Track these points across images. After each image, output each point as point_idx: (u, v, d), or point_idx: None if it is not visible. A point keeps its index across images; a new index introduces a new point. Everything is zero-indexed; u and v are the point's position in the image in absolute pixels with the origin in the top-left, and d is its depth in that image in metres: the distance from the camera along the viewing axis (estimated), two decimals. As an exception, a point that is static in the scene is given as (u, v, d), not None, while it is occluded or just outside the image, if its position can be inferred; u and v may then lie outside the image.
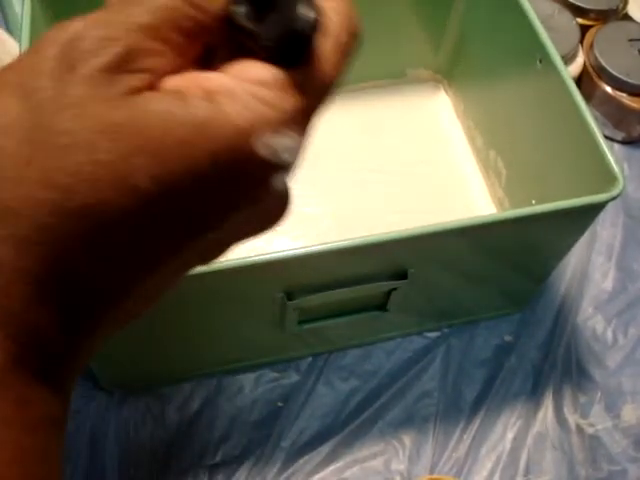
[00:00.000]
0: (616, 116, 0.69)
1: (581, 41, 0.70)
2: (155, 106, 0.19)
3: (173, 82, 0.20)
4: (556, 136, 0.52)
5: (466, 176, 0.65)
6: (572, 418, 0.56)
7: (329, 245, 0.42)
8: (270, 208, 0.24)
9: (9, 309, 0.19)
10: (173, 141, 0.19)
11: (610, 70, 0.67)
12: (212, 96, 0.20)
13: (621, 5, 0.73)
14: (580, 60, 0.70)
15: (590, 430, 0.55)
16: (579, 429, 0.55)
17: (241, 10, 0.21)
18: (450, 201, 0.64)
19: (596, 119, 0.65)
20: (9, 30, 0.60)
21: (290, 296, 0.46)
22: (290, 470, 0.52)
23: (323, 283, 0.46)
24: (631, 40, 0.69)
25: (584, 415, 0.56)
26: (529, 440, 0.55)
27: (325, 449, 0.53)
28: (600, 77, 0.68)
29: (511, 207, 0.60)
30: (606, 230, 0.65)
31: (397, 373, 0.57)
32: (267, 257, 0.41)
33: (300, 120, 0.22)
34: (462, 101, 0.68)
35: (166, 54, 0.20)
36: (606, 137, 0.70)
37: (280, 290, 0.45)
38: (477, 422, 0.55)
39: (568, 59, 0.68)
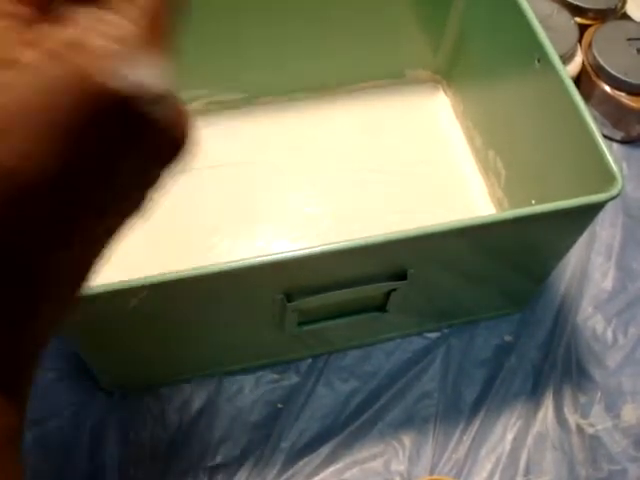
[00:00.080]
0: (615, 115, 0.69)
1: (580, 40, 0.70)
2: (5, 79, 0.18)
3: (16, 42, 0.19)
4: (555, 136, 0.52)
5: (465, 176, 0.65)
6: (572, 418, 0.56)
7: (329, 246, 0.42)
8: (164, 141, 0.23)
9: None
10: (28, 109, 0.18)
11: (609, 69, 0.67)
12: (54, 51, 0.19)
13: (620, 4, 0.73)
14: (579, 59, 0.70)
15: (590, 430, 0.55)
16: (579, 429, 0.55)
17: None
18: (450, 201, 0.64)
19: (595, 119, 0.65)
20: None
21: (290, 297, 0.46)
22: (290, 471, 0.52)
23: (323, 284, 0.46)
24: (630, 39, 0.69)
25: (584, 415, 0.56)
26: (529, 440, 0.55)
27: (325, 450, 0.53)
28: (599, 76, 0.68)
29: (510, 207, 0.60)
30: (605, 230, 0.65)
31: (397, 374, 0.57)
32: (267, 258, 0.41)
33: (151, 39, 0.20)
34: (461, 101, 0.68)
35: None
36: (605, 136, 0.69)
37: (280, 291, 0.45)
38: (477, 423, 0.55)
39: (567, 58, 0.68)
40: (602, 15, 0.72)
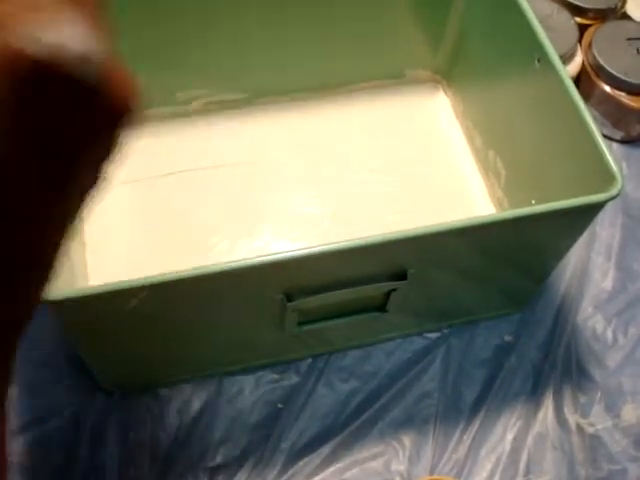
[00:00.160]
0: (615, 115, 0.69)
1: (580, 40, 0.70)
2: None
3: None
4: (555, 136, 0.52)
5: (465, 176, 0.65)
6: (572, 418, 0.56)
7: (329, 246, 0.42)
8: (104, 105, 0.21)
9: None
10: None
11: (609, 69, 0.67)
12: None
13: (620, 4, 0.73)
14: (579, 59, 0.70)
15: (590, 430, 0.55)
16: (579, 429, 0.55)
17: None
18: (449, 201, 0.64)
19: (595, 118, 0.65)
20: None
21: (290, 297, 0.46)
22: (290, 472, 0.52)
23: (323, 284, 0.46)
24: (630, 39, 0.69)
25: (584, 415, 0.56)
26: (529, 440, 0.55)
27: (325, 450, 0.53)
28: (599, 76, 0.68)
29: (510, 207, 0.60)
30: (605, 230, 0.65)
31: (397, 374, 0.57)
32: (267, 258, 0.41)
33: (73, 2, 0.20)
34: (461, 101, 0.68)
35: None
36: (605, 136, 0.69)
37: (280, 291, 0.45)
38: (477, 422, 0.55)
39: (567, 58, 0.68)
40: (602, 15, 0.72)
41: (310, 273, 0.45)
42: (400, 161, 0.66)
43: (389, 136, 0.67)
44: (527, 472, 0.54)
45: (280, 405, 0.55)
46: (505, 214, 0.46)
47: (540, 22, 0.53)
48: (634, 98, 0.67)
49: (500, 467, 0.54)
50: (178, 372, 0.55)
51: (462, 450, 0.54)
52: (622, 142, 0.71)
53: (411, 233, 0.43)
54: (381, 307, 0.52)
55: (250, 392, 0.55)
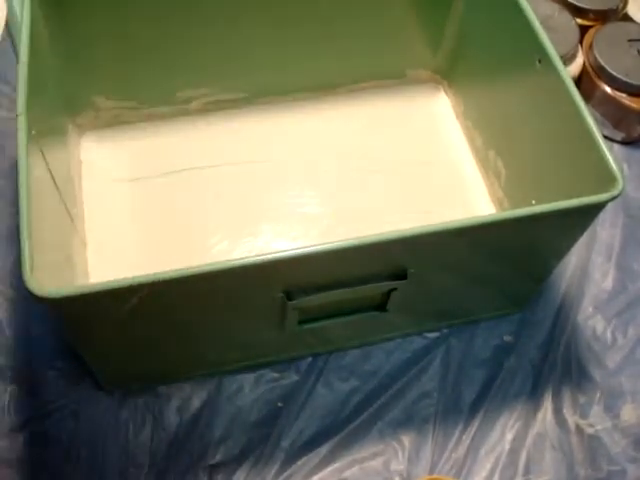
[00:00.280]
0: (615, 116, 0.69)
1: (580, 41, 0.70)
2: None
3: None
4: (556, 136, 0.52)
5: (466, 176, 0.65)
6: (572, 418, 0.56)
7: (329, 245, 0.42)
8: None
9: None
10: None
11: (609, 70, 0.67)
12: None
13: (621, 5, 0.73)
14: (580, 60, 0.70)
15: (590, 430, 0.55)
16: (579, 429, 0.55)
17: None
18: (450, 201, 0.64)
19: (595, 119, 0.65)
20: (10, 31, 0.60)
21: (290, 296, 0.46)
22: (290, 470, 0.52)
23: (323, 283, 0.46)
24: (630, 40, 0.69)
25: (584, 415, 0.56)
26: (529, 440, 0.55)
27: (324, 449, 0.53)
28: (599, 77, 0.68)
29: (511, 207, 0.60)
30: (606, 230, 0.65)
31: (397, 373, 0.57)
32: (267, 257, 0.41)
33: None
34: (462, 101, 0.68)
35: None
36: (605, 137, 0.69)
37: (280, 290, 0.45)
38: (477, 422, 0.55)
39: (567, 59, 0.68)
40: (603, 16, 0.72)
41: (310, 272, 0.45)
42: (400, 161, 0.66)
43: (389, 136, 0.67)
44: (526, 472, 0.54)
45: (280, 404, 0.55)
46: (505, 214, 0.46)
47: (541, 23, 0.53)
48: (635, 99, 0.67)
49: (499, 467, 0.54)
50: (178, 371, 0.55)
51: (461, 450, 0.54)
52: (623, 143, 0.71)
53: (411, 233, 0.43)
54: (381, 307, 0.52)
55: (250, 391, 0.55)
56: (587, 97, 0.69)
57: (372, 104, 0.69)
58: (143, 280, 0.39)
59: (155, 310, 0.44)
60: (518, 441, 0.55)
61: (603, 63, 0.68)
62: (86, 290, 0.39)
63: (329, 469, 0.53)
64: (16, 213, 0.41)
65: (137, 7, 0.57)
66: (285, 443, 0.53)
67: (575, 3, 0.72)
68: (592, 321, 0.60)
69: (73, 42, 0.57)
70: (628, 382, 0.58)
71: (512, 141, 0.60)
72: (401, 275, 0.47)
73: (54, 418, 0.53)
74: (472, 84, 0.66)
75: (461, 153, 0.67)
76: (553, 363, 0.58)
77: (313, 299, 0.46)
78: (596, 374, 0.58)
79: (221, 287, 0.44)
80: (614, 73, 0.67)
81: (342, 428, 0.54)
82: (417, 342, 0.58)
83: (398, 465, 0.53)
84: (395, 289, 0.49)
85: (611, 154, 0.46)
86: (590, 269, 0.63)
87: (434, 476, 0.53)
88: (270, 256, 0.41)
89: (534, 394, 0.57)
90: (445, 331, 0.59)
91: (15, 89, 0.46)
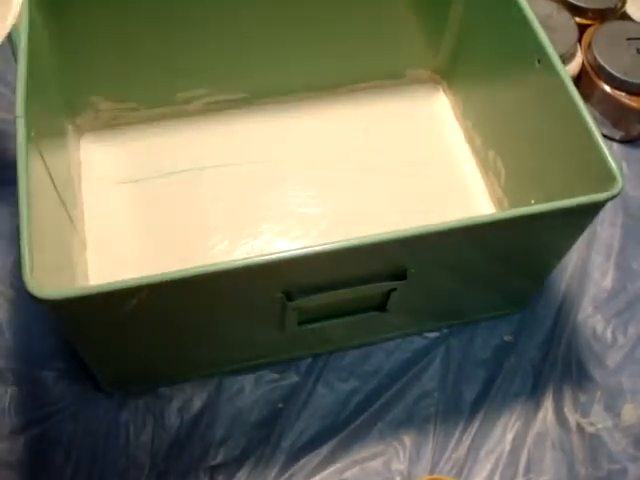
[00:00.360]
0: (615, 115, 0.69)
1: (579, 40, 0.70)
2: None
3: None
4: (555, 136, 0.52)
5: (465, 176, 0.65)
6: (572, 417, 0.56)
7: (329, 245, 0.42)
8: None
9: None
10: None
11: (608, 69, 0.67)
12: None
13: (619, 4, 0.73)
14: (579, 59, 0.70)
15: (590, 429, 0.55)
16: (579, 428, 0.55)
17: None
18: (449, 201, 0.64)
19: (595, 118, 0.65)
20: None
21: (290, 296, 0.46)
22: (290, 471, 0.52)
23: (323, 283, 0.46)
24: (629, 39, 0.69)
25: (584, 414, 0.56)
26: (529, 440, 0.55)
27: (325, 450, 0.53)
28: (599, 76, 0.68)
29: (510, 207, 0.60)
30: (605, 229, 0.65)
31: (397, 373, 0.57)
32: (267, 257, 0.41)
33: None
34: (461, 101, 0.68)
35: None
36: (605, 136, 0.69)
37: (280, 291, 0.45)
38: (477, 422, 0.55)
39: (567, 58, 0.68)
40: (602, 15, 0.72)
41: (310, 272, 0.45)
42: (400, 161, 0.66)
43: (389, 136, 0.67)
44: (527, 472, 0.54)
45: (280, 404, 0.55)
46: (505, 214, 0.46)
47: (540, 22, 0.53)
48: (634, 98, 0.67)
49: (500, 467, 0.54)
50: (178, 372, 0.55)
51: (462, 450, 0.54)
52: (622, 142, 0.71)
53: (411, 233, 0.43)
54: (381, 307, 0.52)
55: (250, 391, 0.55)
56: (586, 96, 0.69)
57: (372, 104, 0.69)
58: (143, 281, 0.39)
59: (155, 311, 0.44)
60: (518, 441, 0.55)
61: (602, 62, 0.68)
62: (86, 292, 0.39)
63: (330, 469, 0.53)
64: (16, 214, 0.41)
65: (136, 8, 0.57)
66: (286, 444, 0.53)
67: (574, 2, 0.72)
68: (592, 320, 0.60)
69: (72, 43, 0.57)
70: (628, 381, 0.58)
71: (511, 141, 0.60)
72: (401, 275, 0.47)
73: (54, 420, 0.53)
74: (472, 84, 0.66)
75: (461, 153, 0.67)
76: (553, 363, 0.58)
77: (313, 299, 0.46)
78: (596, 373, 0.58)
79: (221, 288, 0.44)
80: (613, 72, 0.67)
81: (342, 428, 0.54)
82: (417, 342, 0.58)
83: (399, 465, 0.53)
84: (395, 289, 0.49)
85: (610, 153, 0.46)
86: (590, 269, 0.63)
87: (435, 476, 0.53)
88: (270, 256, 0.41)
89: (534, 394, 0.57)
90: (445, 331, 0.59)
91: (14, 90, 0.46)
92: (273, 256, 0.41)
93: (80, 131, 0.64)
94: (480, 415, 0.55)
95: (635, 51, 0.68)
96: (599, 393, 0.57)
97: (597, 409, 0.56)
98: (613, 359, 0.59)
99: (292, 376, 0.56)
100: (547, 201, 0.44)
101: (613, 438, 0.55)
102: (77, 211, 0.58)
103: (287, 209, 0.62)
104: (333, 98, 0.69)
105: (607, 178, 0.46)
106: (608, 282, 0.63)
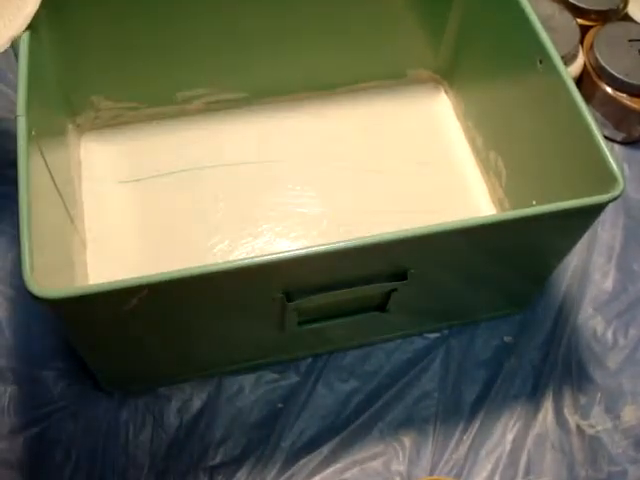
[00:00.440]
0: (616, 117, 0.69)
1: (581, 41, 0.70)
2: None
3: None
4: (556, 137, 0.52)
5: (466, 177, 0.65)
6: (572, 419, 0.56)
7: (329, 245, 0.42)
8: None
9: None
10: None
11: (610, 70, 0.67)
12: None
13: (621, 5, 0.73)
14: (580, 60, 0.70)
15: (590, 431, 0.55)
16: (579, 430, 0.55)
17: None
18: (450, 201, 0.64)
19: (596, 120, 0.65)
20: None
21: (290, 297, 0.46)
22: (290, 471, 0.52)
23: (323, 284, 0.46)
24: (631, 40, 0.69)
25: (584, 416, 0.56)
26: (529, 441, 0.55)
27: (325, 450, 0.53)
28: (600, 77, 0.68)
29: (511, 208, 0.60)
30: (606, 231, 0.65)
31: (397, 374, 0.57)
32: (267, 258, 0.41)
33: None
34: (462, 101, 0.68)
35: None
36: (606, 138, 0.69)
37: (280, 291, 0.45)
38: (477, 423, 0.55)
39: (568, 59, 0.68)
40: (604, 16, 0.72)
41: (310, 273, 0.45)
42: (400, 161, 0.66)
43: (389, 136, 0.67)
44: (527, 473, 0.54)
45: (280, 405, 0.55)
46: (506, 215, 0.46)
47: (542, 23, 0.53)
48: (635, 99, 0.67)
49: (500, 468, 0.54)
50: (178, 372, 0.55)
51: (462, 450, 0.54)
52: (623, 143, 0.71)
53: (411, 233, 0.43)
54: (381, 307, 0.51)
55: (250, 391, 0.55)
56: (588, 97, 0.69)
57: (372, 104, 0.69)
58: (143, 281, 0.39)
59: (155, 311, 0.44)
60: (518, 442, 0.55)
61: (604, 63, 0.68)
62: (86, 291, 0.39)
63: (330, 470, 0.53)
64: (16, 213, 0.41)
65: (136, 8, 0.56)
66: (285, 444, 0.53)
67: (576, 3, 0.72)
68: (593, 322, 0.60)
69: (73, 43, 0.57)
70: (629, 383, 0.58)
71: (513, 141, 0.60)
72: (401, 276, 0.47)
73: (54, 419, 0.53)
74: (473, 84, 0.66)
75: (461, 153, 0.67)
76: (554, 364, 0.58)
77: (313, 300, 0.46)
78: (597, 375, 0.58)
79: (221, 288, 0.43)
80: (615, 73, 0.67)
81: (342, 429, 0.54)
82: (417, 342, 0.58)
83: (399, 465, 0.53)
84: (395, 289, 0.49)
85: (612, 155, 0.46)
86: (591, 270, 0.63)
87: (434, 477, 0.53)
88: (270, 257, 0.41)
89: (534, 395, 0.57)
90: (445, 331, 0.59)
91: (15, 89, 0.46)
92: (273, 256, 0.41)
93: (80, 130, 0.64)
94: (480, 416, 0.55)
95: (637, 52, 0.68)
96: (599, 394, 0.57)
97: (597, 411, 0.56)
98: (613, 360, 0.59)
99: (292, 376, 0.56)
100: (548, 202, 0.44)
101: (613, 440, 0.55)
102: (77, 210, 0.58)
103: (287, 209, 0.62)
104: (333, 98, 0.69)
105: (608, 180, 0.45)
106: (609, 283, 0.63)
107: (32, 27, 0.49)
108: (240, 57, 0.63)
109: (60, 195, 0.52)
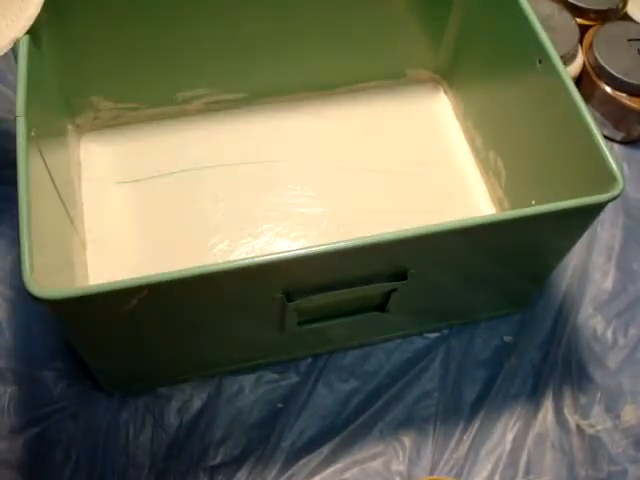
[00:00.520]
0: (615, 116, 0.69)
1: (580, 41, 0.70)
2: None
3: None
4: (556, 136, 0.52)
5: (466, 176, 0.65)
6: (572, 419, 0.56)
7: (329, 245, 0.42)
8: None
9: None
10: None
11: (609, 70, 0.67)
12: None
13: (620, 5, 0.73)
14: (580, 60, 0.70)
15: (590, 430, 0.55)
16: (579, 430, 0.55)
17: None
18: (450, 201, 0.64)
19: (595, 119, 0.65)
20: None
21: (290, 297, 0.46)
22: (290, 471, 0.52)
23: (323, 284, 0.46)
24: (630, 40, 0.69)
25: (584, 416, 0.56)
26: (529, 441, 0.55)
27: (325, 450, 0.53)
28: (599, 77, 0.68)
29: (511, 207, 0.60)
30: (606, 230, 0.65)
31: (397, 374, 0.57)
32: (267, 258, 0.41)
33: None
34: (462, 101, 0.68)
35: None
36: (606, 137, 0.69)
37: (280, 291, 0.45)
38: (477, 423, 0.55)
39: (568, 59, 0.68)
40: (603, 16, 0.72)
41: (310, 273, 0.45)
42: (400, 161, 0.66)
43: (389, 136, 0.67)
44: (527, 472, 0.54)
45: (280, 405, 0.55)
46: (505, 214, 0.46)
47: (541, 23, 0.53)
48: (635, 99, 0.67)
49: (500, 467, 0.54)
50: (178, 372, 0.55)
51: (462, 450, 0.54)
52: (623, 143, 0.71)
53: (411, 233, 0.43)
54: (381, 307, 0.52)
55: (250, 392, 0.55)
56: (587, 97, 0.69)
57: (372, 104, 0.69)
58: (143, 281, 0.39)
59: (155, 311, 0.44)
60: (519, 441, 0.55)
61: (603, 63, 0.68)
62: (86, 292, 0.39)
63: (330, 470, 0.53)
64: (16, 214, 0.41)
65: (136, 8, 0.56)
66: (285, 444, 0.53)
67: (575, 3, 0.72)
68: (592, 321, 0.60)
69: (72, 43, 0.57)
70: (629, 382, 0.58)
71: (512, 141, 0.60)
72: (401, 275, 0.47)
73: (54, 419, 0.53)
74: (472, 84, 0.66)
75: (461, 153, 0.67)
76: (553, 363, 0.58)
77: (313, 300, 0.46)
78: (597, 374, 0.58)
79: (221, 288, 0.43)
80: (614, 73, 0.67)
81: (342, 428, 0.54)
82: (417, 342, 0.58)
83: (399, 465, 0.53)
84: (395, 289, 0.49)
85: (611, 154, 0.46)
86: (590, 269, 0.63)
87: (434, 477, 0.53)
88: (270, 257, 0.41)
89: (534, 394, 0.57)
90: (445, 331, 0.59)
91: (15, 90, 0.46)
92: (273, 256, 0.41)
93: (80, 131, 0.64)
94: (480, 415, 0.55)
95: (636, 52, 0.68)
96: (599, 394, 0.57)
97: (597, 410, 0.56)
98: (613, 360, 0.59)
99: (292, 376, 0.56)
100: (548, 202, 0.44)
101: (613, 439, 0.55)
102: (77, 211, 0.58)
103: (287, 209, 0.62)
104: (333, 98, 0.69)
105: (608, 179, 0.45)
106: (609, 283, 0.63)
107: (32, 28, 0.49)
108: (241, 59, 0.63)
109: (60, 196, 0.52)
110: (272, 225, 0.61)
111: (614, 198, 0.45)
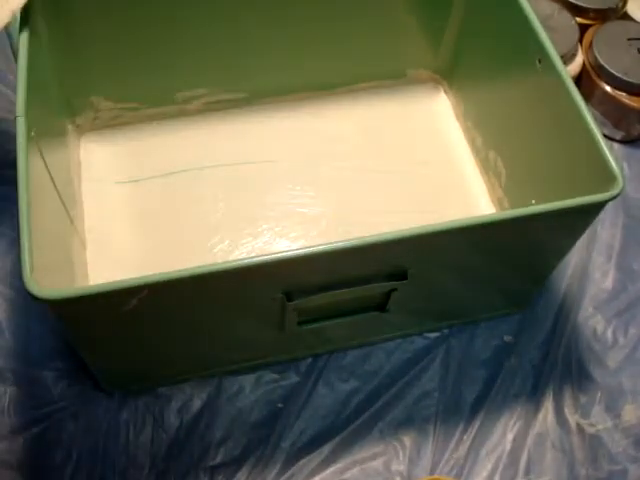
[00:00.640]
0: (615, 115, 0.69)
1: (580, 40, 0.70)
2: None
3: None
4: (556, 136, 0.52)
5: (466, 176, 0.65)
6: (572, 418, 0.56)
7: (329, 245, 0.42)
8: None
9: None
10: None
11: (609, 69, 0.67)
12: None
13: (620, 4, 0.73)
14: (579, 59, 0.70)
15: (591, 430, 0.55)
16: (579, 429, 0.55)
17: None
18: (450, 201, 0.64)
19: (595, 118, 0.65)
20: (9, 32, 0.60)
21: (290, 297, 0.46)
22: (290, 471, 0.52)
23: (323, 284, 0.46)
24: (630, 39, 0.69)
25: (584, 415, 0.56)
26: (529, 440, 0.55)
27: (325, 450, 0.53)
28: (599, 76, 0.68)
29: (511, 207, 0.60)
30: (606, 230, 0.65)
31: (397, 374, 0.57)
32: (267, 258, 0.41)
33: None
34: (462, 101, 0.68)
35: None
36: (605, 136, 0.69)
37: (280, 291, 0.45)
38: (477, 422, 0.55)
39: (567, 58, 0.68)
40: (603, 15, 0.72)
41: (310, 272, 0.45)
42: (400, 161, 0.66)
43: (389, 136, 0.67)
44: (527, 472, 0.54)
45: (280, 405, 0.55)
46: (505, 214, 0.46)
47: (541, 22, 0.53)
48: (635, 98, 0.67)
49: (500, 467, 0.54)
50: (178, 372, 0.55)
51: (462, 450, 0.54)
52: (623, 142, 0.71)
53: (411, 233, 0.43)
54: (381, 307, 0.52)
55: (250, 391, 0.55)
56: (587, 96, 0.69)
57: (372, 104, 0.69)
58: (143, 281, 0.39)
59: (155, 311, 0.44)
60: (519, 441, 0.55)
61: (603, 62, 0.68)
62: (86, 291, 0.39)
63: (330, 470, 0.53)
64: (16, 214, 0.41)
65: (136, 8, 0.56)
66: (285, 444, 0.53)
67: (575, 2, 0.72)
68: (592, 321, 0.60)
69: (72, 43, 0.57)
70: (629, 382, 0.58)
71: (512, 141, 0.60)
72: (401, 275, 0.47)
73: (54, 419, 0.53)
74: (472, 84, 0.66)
75: (461, 153, 0.67)
76: (553, 363, 0.58)
77: (313, 299, 0.46)
78: (597, 374, 0.58)
79: (221, 288, 0.43)
80: (614, 72, 0.67)
81: (343, 428, 0.54)
82: (417, 342, 0.58)
83: (399, 465, 0.53)
84: (395, 289, 0.49)
85: (611, 153, 0.46)
86: (590, 269, 0.63)
87: (435, 476, 0.53)
88: (270, 257, 0.41)
89: (535, 394, 0.57)
90: (445, 331, 0.59)
91: (14, 90, 0.46)
92: (273, 256, 0.41)
93: (80, 131, 0.64)
94: (480, 415, 0.55)
95: (636, 51, 0.68)
96: (599, 394, 0.57)
97: (597, 410, 0.56)
98: (613, 360, 0.59)
99: (292, 376, 0.56)
100: (547, 201, 0.44)
101: (613, 439, 0.55)
102: (77, 211, 0.58)
103: (287, 209, 0.62)
104: (333, 98, 0.69)
105: (608, 178, 0.45)
106: (609, 283, 0.63)
107: (32, 28, 0.49)
108: (241, 59, 0.63)
109: (60, 196, 0.52)
110: (272, 225, 0.61)
111: (614, 197, 0.45)
